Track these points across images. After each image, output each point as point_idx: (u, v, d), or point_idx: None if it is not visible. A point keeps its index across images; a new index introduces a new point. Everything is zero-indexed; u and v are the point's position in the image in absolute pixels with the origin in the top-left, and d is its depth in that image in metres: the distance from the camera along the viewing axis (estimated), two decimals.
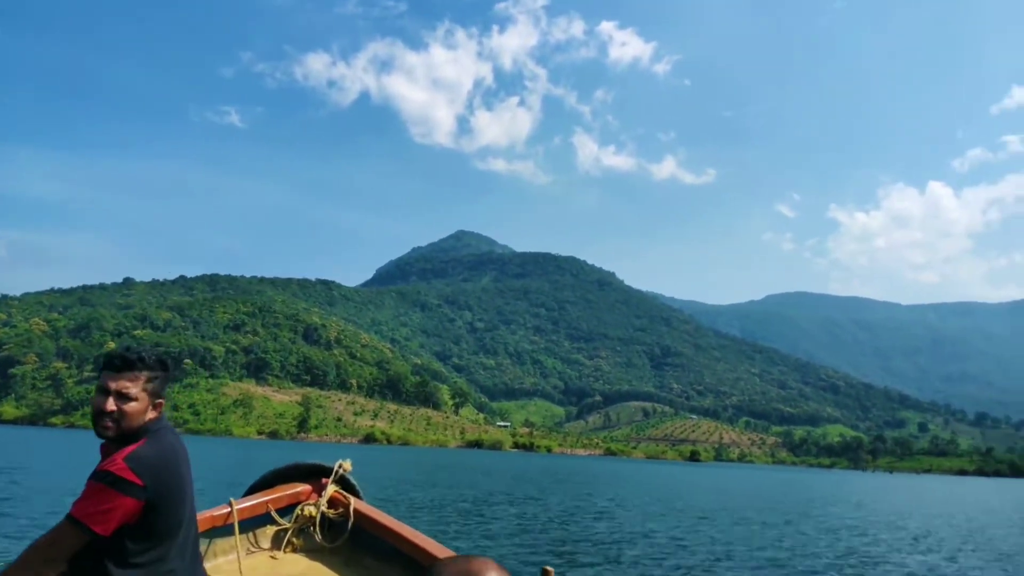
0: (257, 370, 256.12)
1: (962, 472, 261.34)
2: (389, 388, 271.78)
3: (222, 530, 3.88)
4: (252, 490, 4.29)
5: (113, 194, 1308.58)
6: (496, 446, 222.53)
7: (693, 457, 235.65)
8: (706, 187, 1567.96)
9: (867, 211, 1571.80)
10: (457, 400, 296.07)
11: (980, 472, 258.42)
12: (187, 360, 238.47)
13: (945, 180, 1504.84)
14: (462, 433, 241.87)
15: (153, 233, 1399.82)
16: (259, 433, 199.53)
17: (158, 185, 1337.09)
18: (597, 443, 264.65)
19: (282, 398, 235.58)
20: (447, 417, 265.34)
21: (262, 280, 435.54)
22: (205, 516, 3.73)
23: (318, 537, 4.05)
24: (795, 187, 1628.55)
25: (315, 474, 4.35)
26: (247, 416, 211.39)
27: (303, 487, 4.26)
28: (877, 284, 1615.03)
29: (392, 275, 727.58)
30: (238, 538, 3.82)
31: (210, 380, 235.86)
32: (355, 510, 4.16)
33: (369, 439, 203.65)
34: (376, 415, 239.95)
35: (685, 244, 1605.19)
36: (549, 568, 2.78)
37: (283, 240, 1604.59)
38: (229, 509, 3.91)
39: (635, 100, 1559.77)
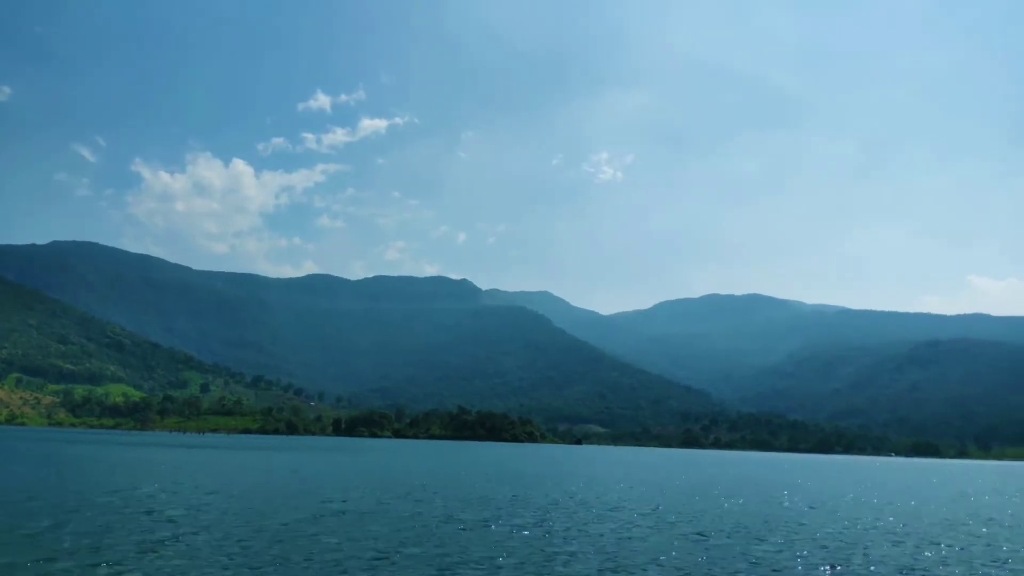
0: None
1: (247, 430, 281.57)
2: None
3: None
4: None
5: None
6: None
7: None
8: None
9: (172, 173, 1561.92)
10: None
11: (263, 430, 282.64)
12: None
13: (249, 160, 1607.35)
14: None
15: None
16: None
17: None
18: None
19: None
20: None
21: None
22: None
23: None
24: (101, 131, 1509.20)
25: None
26: None
27: None
28: (170, 246, 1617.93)
29: None
30: None
31: None
32: None
33: None
34: None
35: None
36: None
37: None
38: None
39: None
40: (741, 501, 42.39)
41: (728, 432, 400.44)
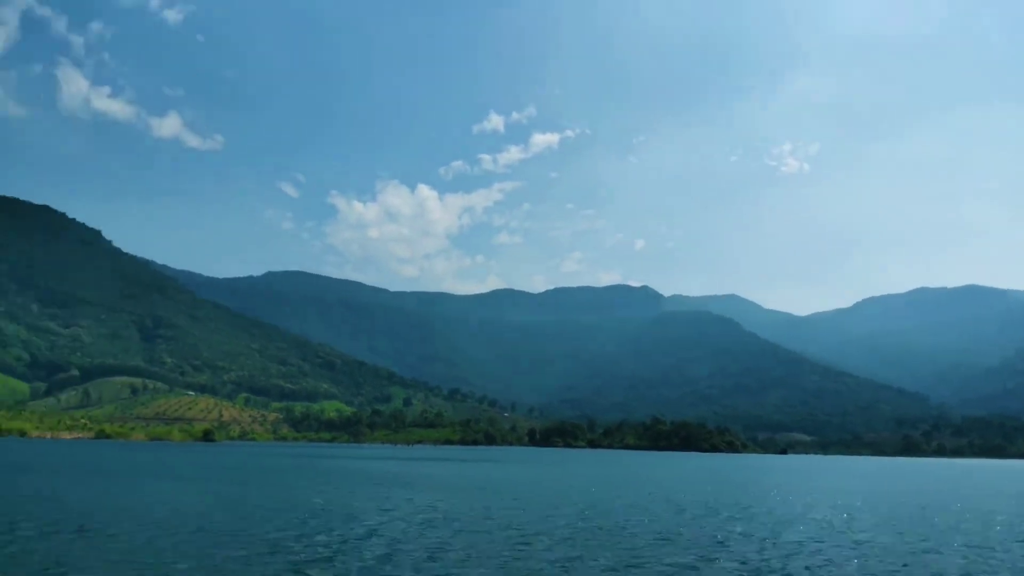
0: None
1: (448, 441, 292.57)
2: None
3: None
4: None
5: None
6: None
7: (207, 437, 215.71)
8: (213, 154, 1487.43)
9: (364, 202, 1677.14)
10: None
11: (463, 440, 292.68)
12: None
13: (432, 185, 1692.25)
14: None
15: None
16: None
17: None
18: (85, 424, 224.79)
19: None
20: None
21: None
22: None
23: None
24: (300, 168, 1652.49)
25: None
26: None
27: None
28: (367, 271, 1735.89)
29: None
30: None
31: None
32: None
33: None
34: None
35: (185, 210, 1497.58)
36: None
37: None
38: None
39: (140, 44, 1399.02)
40: None
41: (953, 438, 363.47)
